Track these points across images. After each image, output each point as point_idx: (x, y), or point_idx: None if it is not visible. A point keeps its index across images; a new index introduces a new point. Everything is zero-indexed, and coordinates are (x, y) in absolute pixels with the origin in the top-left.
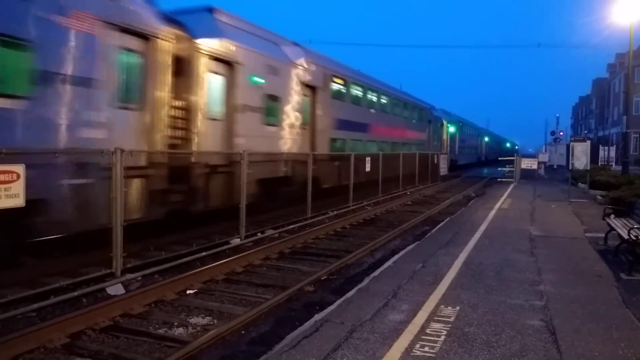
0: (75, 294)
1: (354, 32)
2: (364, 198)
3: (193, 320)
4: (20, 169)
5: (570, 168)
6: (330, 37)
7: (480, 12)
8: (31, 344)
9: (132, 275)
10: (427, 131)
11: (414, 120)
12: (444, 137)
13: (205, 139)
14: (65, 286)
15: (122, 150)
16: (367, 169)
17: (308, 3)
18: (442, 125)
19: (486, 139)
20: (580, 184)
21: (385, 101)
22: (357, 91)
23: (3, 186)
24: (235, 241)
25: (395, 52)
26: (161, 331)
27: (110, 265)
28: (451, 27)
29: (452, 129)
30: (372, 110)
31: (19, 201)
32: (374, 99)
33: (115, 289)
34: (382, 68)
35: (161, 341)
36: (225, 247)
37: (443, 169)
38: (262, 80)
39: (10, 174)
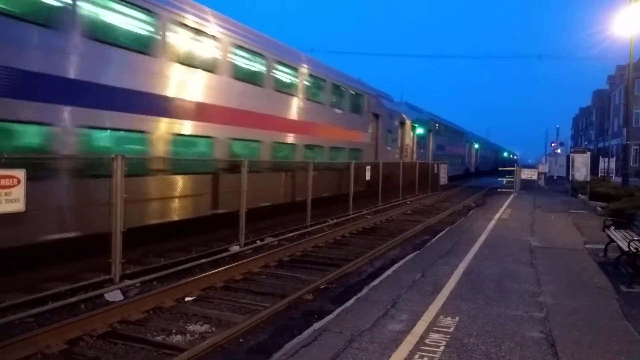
0: (74, 299)
1: (355, 41)
2: None
3: (191, 327)
4: (20, 173)
5: (570, 179)
6: (332, 46)
7: (482, 23)
8: (29, 350)
9: (130, 282)
10: (370, 130)
11: (338, 111)
12: (408, 140)
13: None
14: (63, 292)
15: (123, 157)
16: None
17: (310, 12)
18: (403, 123)
19: (476, 146)
20: (580, 195)
21: (269, 69)
22: (158, 30)
23: (3, 191)
24: (235, 248)
25: (395, 62)
26: (159, 338)
27: (108, 272)
28: (452, 37)
29: (421, 131)
30: (227, 78)
31: (19, 206)
32: (237, 61)
33: (114, 295)
34: (382, 78)
35: (159, 348)
36: (224, 254)
37: (443, 179)
38: None
39: (10, 179)
